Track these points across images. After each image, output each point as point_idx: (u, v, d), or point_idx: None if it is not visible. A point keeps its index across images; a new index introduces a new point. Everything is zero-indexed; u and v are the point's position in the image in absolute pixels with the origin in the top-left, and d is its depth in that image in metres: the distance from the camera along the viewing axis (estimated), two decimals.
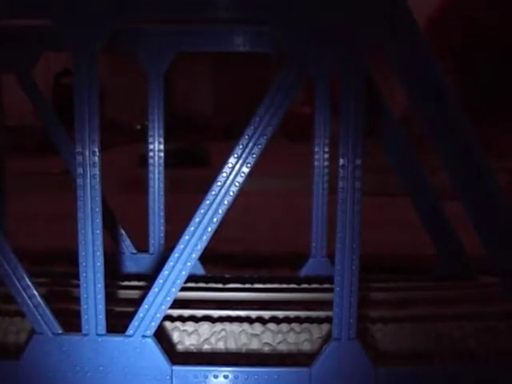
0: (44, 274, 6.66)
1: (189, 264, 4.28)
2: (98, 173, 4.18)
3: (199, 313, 5.89)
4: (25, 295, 4.35)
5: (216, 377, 4.38)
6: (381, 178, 10.88)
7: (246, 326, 5.60)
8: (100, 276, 4.28)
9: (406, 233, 9.76)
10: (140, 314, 4.32)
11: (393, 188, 8.73)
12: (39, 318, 4.35)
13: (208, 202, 4.20)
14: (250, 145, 4.17)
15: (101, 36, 4.08)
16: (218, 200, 4.19)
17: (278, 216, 12.86)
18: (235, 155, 4.18)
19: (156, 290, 4.29)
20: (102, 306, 4.31)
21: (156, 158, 7.18)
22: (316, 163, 6.93)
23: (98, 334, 4.32)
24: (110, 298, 5.01)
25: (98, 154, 4.16)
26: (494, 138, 18.41)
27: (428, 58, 4.25)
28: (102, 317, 4.32)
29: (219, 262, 8.08)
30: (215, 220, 4.22)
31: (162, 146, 7.16)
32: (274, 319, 5.81)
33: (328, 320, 5.34)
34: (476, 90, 23.89)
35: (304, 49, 4.12)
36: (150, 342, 4.33)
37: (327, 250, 6.97)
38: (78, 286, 4.38)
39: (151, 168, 7.19)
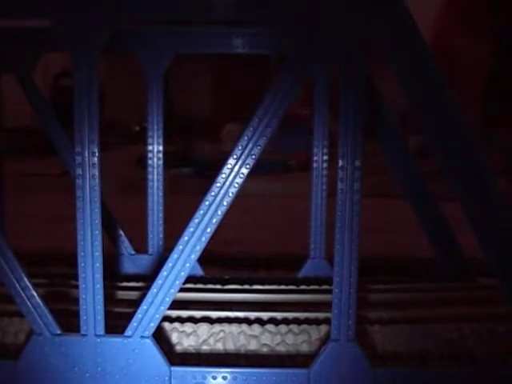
0: (43, 274, 6.66)
1: (188, 265, 4.27)
2: (97, 173, 4.18)
3: (198, 314, 5.89)
4: (24, 296, 4.34)
5: (214, 378, 4.38)
6: (379, 179, 10.88)
7: (244, 327, 5.59)
8: (99, 277, 4.28)
9: (404, 235, 9.76)
10: (139, 314, 4.32)
11: (390, 189, 8.73)
12: (38, 319, 4.34)
13: (207, 202, 4.20)
14: (250, 146, 4.17)
15: (101, 36, 4.08)
16: (217, 201, 4.19)
17: (276, 217, 12.85)
18: (234, 156, 4.18)
19: (155, 290, 4.29)
20: (100, 307, 4.30)
21: (155, 160, 7.17)
22: (315, 164, 6.93)
23: (96, 335, 4.31)
24: (109, 298, 5.02)
25: (97, 154, 4.16)
26: None
27: (427, 58, 4.25)
28: (100, 317, 4.31)
29: (218, 263, 8.08)
30: (214, 221, 4.22)
31: (161, 148, 7.15)
32: (272, 320, 5.80)
33: (327, 321, 5.35)
34: None
35: (303, 49, 4.12)
36: (149, 343, 4.33)
37: (326, 251, 6.96)
38: (76, 286, 4.38)
39: (150, 169, 7.19)
